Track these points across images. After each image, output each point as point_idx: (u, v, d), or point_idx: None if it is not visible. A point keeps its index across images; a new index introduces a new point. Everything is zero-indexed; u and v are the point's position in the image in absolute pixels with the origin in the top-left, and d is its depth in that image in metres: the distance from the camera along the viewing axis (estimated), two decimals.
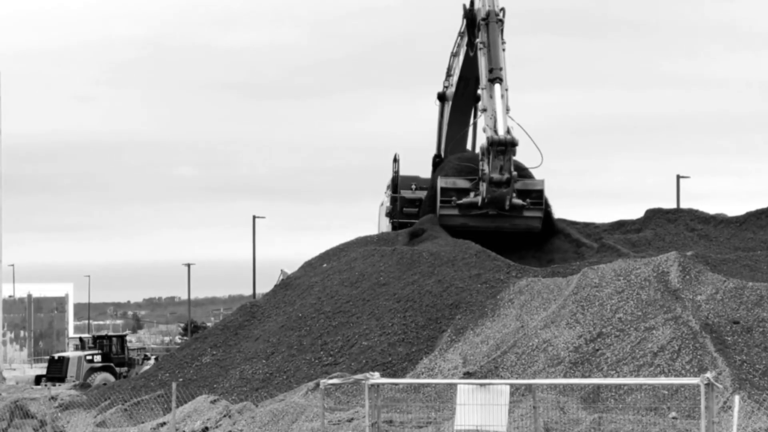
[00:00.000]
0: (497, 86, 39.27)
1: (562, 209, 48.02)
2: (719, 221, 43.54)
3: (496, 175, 38.64)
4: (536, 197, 40.96)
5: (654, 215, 44.73)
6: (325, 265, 40.05)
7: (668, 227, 43.49)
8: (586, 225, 46.01)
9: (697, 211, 44.82)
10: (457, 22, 44.72)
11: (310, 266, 40.59)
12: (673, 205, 57.80)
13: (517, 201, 40.21)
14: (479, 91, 42.87)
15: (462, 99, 47.39)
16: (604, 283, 32.12)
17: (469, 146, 48.70)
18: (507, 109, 39.23)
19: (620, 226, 44.78)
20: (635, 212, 45.85)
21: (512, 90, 40.32)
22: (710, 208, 45.27)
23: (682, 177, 66.17)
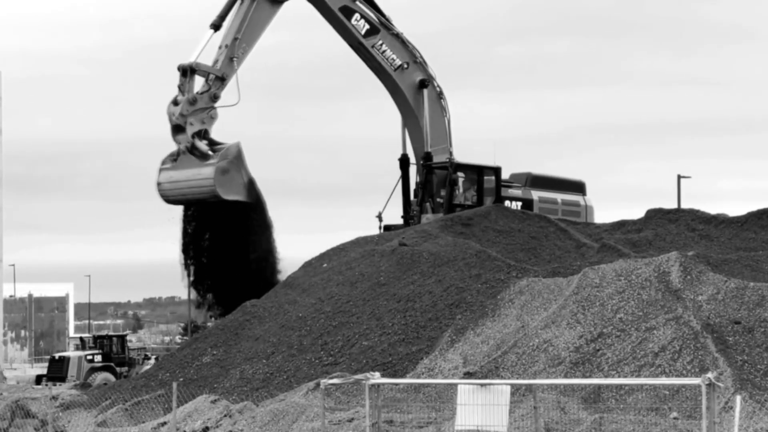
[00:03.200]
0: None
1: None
2: (720, 221, 43.39)
3: (180, 96, 40.25)
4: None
5: (655, 215, 44.60)
6: (325, 265, 40.02)
7: (669, 227, 43.35)
8: (587, 225, 45.98)
9: (698, 211, 44.67)
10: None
11: (310, 266, 40.56)
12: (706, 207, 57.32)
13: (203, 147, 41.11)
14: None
15: (377, 74, 45.96)
16: (604, 283, 32.08)
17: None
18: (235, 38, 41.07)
19: (621, 226, 44.64)
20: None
21: (524, 89, 40.04)
22: (716, 209, 45.05)
23: (683, 177, 66.18)
